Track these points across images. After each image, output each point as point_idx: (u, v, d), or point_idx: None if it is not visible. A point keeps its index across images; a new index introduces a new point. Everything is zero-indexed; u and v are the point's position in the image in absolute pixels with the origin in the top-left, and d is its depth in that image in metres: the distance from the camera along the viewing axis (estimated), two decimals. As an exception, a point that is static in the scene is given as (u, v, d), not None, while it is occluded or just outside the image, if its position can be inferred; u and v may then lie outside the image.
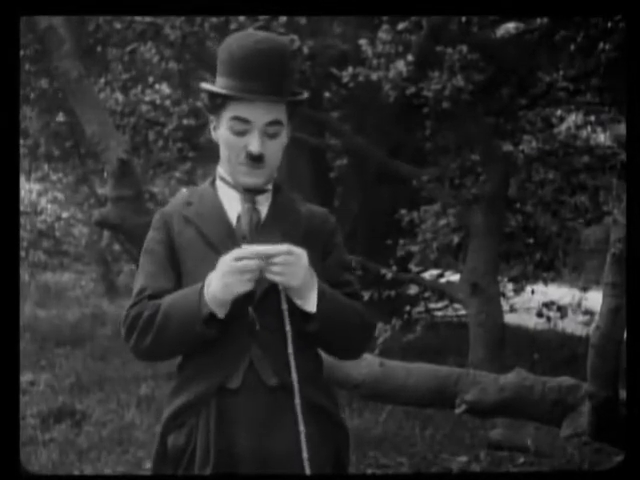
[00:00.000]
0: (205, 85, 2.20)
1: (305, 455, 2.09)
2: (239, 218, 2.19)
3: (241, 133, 2.15)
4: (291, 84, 2.18)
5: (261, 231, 2.17)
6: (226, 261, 2.03)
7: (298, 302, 2.10)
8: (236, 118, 2.14)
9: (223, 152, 2.21)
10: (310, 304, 2.09)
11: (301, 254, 2.06)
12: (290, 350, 2.10)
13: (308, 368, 2.15)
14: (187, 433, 2.15)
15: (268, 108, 2.14)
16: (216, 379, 2.13)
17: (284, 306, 2.11)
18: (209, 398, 2.13)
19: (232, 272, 2.02)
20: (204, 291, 2.06)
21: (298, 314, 2.11)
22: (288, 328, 2.11)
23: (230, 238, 2.15)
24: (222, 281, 2.03)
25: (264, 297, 2.12)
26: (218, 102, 2.17)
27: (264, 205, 2.22)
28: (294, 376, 2.10)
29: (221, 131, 2.19)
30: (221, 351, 2.12)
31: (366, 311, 2.22)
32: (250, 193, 2.20)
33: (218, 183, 2.25)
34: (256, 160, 2.14)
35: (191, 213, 2.21)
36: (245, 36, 2.19)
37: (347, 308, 2.16)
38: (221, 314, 2.07)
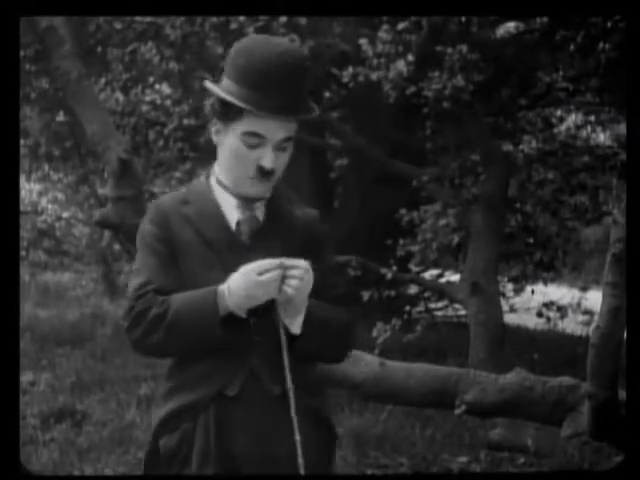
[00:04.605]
0: (224, 94, 2.12)
1: (301, 461, 2.11)
2: (239, 223, 2.18)
3: (254, 146, 2.13)
4: (308, 98, 2.15)
5: (259, 236, 2.18)
6: (249, 275, 2.05)
7: (286, 321, 2.11)
8: (251, 133, 2.11)
9: (228, 161, 2.18)
10: (295, 326, 2.12)
11: (312, 276, 2.08)
12: (285, 358, 2.12)
13: (305, 374, 2.17)
14: (180, 437, 2.15)
15: (284, 125, 2.12)
16: (214, 386, 2.13)
17: (277, 315, 2.12)
18: (207, 404, 2.13)
19: (257, 286, 2.05)
20: (224, 297, 2.07)
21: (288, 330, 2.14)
22: (283, 337, 2.12)
23: (230, 243, 2.16)
24: (246, 292, 2.06)
25: (265, 307, 2.12)
26: (232, 113, 2.12)
27: (260, 209, 2.21)
28: (289, 385, 2.12)
29: (230, 140, 2.15)
30: (220, 358, 2.13)
31: (348, 314, 2.23)
32: (250, 201, 2.19)
33: (214, 184, 2.24)
34: (267, 174, 2.14)
35: (189, 212, 2.19)
36: (267, 45, 2.10)
37: (331, 322, 2.17)
38: (244, 314, 2.10)
